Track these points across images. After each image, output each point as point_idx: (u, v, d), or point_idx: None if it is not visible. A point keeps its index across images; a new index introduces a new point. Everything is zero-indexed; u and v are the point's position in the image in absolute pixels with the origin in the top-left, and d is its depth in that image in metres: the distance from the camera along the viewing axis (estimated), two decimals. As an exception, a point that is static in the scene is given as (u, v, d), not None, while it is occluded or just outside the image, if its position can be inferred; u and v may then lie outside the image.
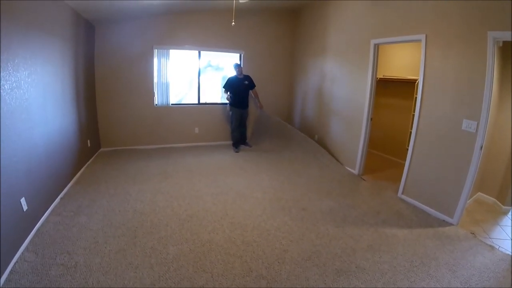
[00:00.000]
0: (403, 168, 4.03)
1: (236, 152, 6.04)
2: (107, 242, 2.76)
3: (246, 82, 5.87)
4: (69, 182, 3.95)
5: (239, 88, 5.82)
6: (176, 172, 4.74)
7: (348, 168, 5.08)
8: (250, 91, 6.08)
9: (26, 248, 2.57)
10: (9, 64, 2.48)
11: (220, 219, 3.30)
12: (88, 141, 5.01)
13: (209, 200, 3.77)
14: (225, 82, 5.88)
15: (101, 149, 5.79)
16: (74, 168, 4.22)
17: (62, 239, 2.77)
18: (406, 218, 3.50)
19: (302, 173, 4.88)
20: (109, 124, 5.76)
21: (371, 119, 4.63)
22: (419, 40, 3.67)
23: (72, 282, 2.21)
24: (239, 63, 5.74)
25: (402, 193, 4.03)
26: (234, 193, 3.99)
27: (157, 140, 6.21)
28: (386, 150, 6.08)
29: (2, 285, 2.13)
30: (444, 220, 3.46)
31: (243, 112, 6.04)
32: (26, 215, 2.68)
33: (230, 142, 6.38)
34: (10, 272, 2.27)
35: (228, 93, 5.80)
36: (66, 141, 3.93)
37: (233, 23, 4.09)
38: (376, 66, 4.48)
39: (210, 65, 6.90)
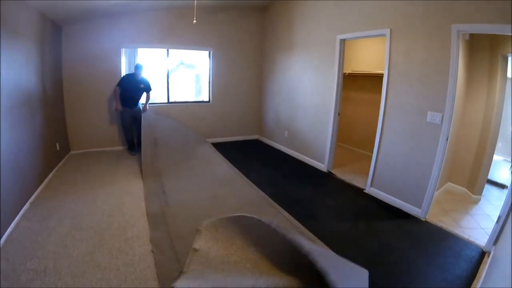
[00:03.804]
0: (370, 161, 4.19)
1: (133, 155, 5.72)
2: (75, 245, 2.85)
3: (142, 86, 5.59)
4: (38, 187, 3.97)
5: (132, 87, 5.48)
6: (145, 172, 4.83)
7: (318, 163, 5.31)
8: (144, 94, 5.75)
9: None
10: None
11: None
12: (57, 144, 4.98)
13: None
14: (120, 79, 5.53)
15: (71, 152, 5.77)
16: (42, 172, 4.22)
17: (31, 244, 2.83)
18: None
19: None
20: (78, 127, 5.72)
21: (339, 114, 4.81)
22: (383, 35, 3.82)
23: (42, 286, 2.30)
24: (141, 65, 5.50)
25: (371, 186, 4.20)
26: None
27: (127, 141, 6.24)
28: (356, 143, 6.38)
29: None
30: (411, 212, 3.62)
31: (133, 111, 5.62)
32: None
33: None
34: None
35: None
36: (32, 145, 3.90)
37: (194, 21, 4.17)
38: (343, 61, 4.64)
39: (182, 63, 7.00)
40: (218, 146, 6.30)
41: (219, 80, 6.78)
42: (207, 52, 6.62)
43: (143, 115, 5.59)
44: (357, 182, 4.58)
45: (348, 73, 5.73)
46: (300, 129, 5.79)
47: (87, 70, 5.54)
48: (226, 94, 6.93)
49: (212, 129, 6.97)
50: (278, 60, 6.35)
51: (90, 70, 5.56)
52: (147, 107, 5.79)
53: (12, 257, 2.65)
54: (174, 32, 6.10)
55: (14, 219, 3.16)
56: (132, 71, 5.72)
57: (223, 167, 5.06)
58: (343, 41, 4.59)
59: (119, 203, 3.79)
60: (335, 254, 2.53)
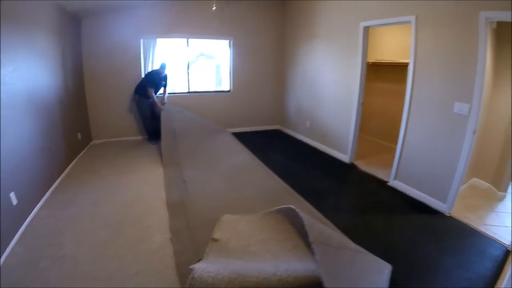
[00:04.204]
0: (394, 153, 4.01)
1: (153, 144, 5.76)
2: (94, 233, 2.84)
3: (163, 82, 5.74)
4: (60, 175, 4.02)
5: (155, 83, 5.59)
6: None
7: (340, 154, 5.14)
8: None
9: (17, 242, 2.65)
10: None
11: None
12: (79, 134, 5.05)
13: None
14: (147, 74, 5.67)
15: (93, 142, 5.85)
16: (64, 161, 4.28)
17: (51, 231, 2.85)
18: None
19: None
20: (100, 116, 5.79)
21: (362, 103, 4.63)
22: (408, 22, 3.62)
23: (59, 273, 2.29)
24: (166, 64, 5.57)
25: (394, 178, 4.03)
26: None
27: (148, 130, 6.25)
28: (379, 135, 6.13)
29: None
30: (435, 207, 3.45)
31: (152, 102, 5.66)
32: (16, 209, 2.75)
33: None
34: (1, 265, 2.36)
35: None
36: (54, 134, 3.97)
37: (214, 7, 4.03)
38: (366, 49, 4.45)
39: (202, 54, 6.96)
40: (239, 136, 6.19)
41: (240, 69, 6.66)
42: (227, 42, 6.50)
43: (162, 108, 5.59)
44: (380, 174, 4.38)
45: (372, 62, 5.47)
46: (322, 119, 5.61)
47: (107, 62, 5.58)
48: (247, 84, 6.79)
49: (233, 119, 6.88)
50: (299, 49, 6.15)
51: (110, 62, 5.60)
52: (165, 100, 5.84)
53: (31, 244, 2.66)
54: (194, 21, 6.01)
55: (35, 207, 3.20)
56: (151, 62, 5.86)
57: (243, 156, 4.94)
58: (366, 29, 4.37)
59: (138, 191, 3.77)
60: (356, 245, 2.39)
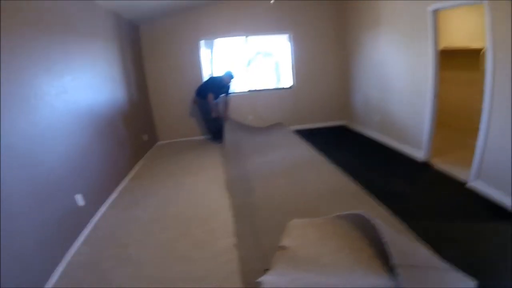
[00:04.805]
0: (473, 150, 3.34)
1: (218, 144, 5.64)
2: (159, 234, 2.78)
3: (224, 89, 5.65)
4: (126, 176, 4.14)
5: (216, 90, 5.51)
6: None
7: (414, 151, 4.52)
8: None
9: (82, 242, 2.71)
10: (51, 71, 2.61)
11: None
12: (145, 135, 5.23)
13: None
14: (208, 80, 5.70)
15: (158, 142, 6.05)
16: (131, 162, 4.43)
17: (117, 232, 2.87)
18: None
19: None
20: (164, 118, 5.97)
21: (437, 95, 4.00)
22: (483, 2, 2.99)
23: (122, 275, 2.25)
24: (233, 75, 5.56)
25: (476, 179, 3.34)
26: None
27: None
28: (453, 129, 5.30)
29: (58, 277, 2.26)
30: None
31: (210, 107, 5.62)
32: (82, 210, 2.84)
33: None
34: (66, 264, 2.40)
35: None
36: (120, 137, 4.11)
37: (271, 1, 3.75)
38: (437, 35, 3.84)
39: (260, 52, 6.82)
40: (302, 133, 5.88)
41: (301, 64, 6.32)
42: (286, 37, 6.23)
43: (225, 124, 5.65)
44: (459, 174, 3.68)
45: (441, 49, 4.76)
46: (392, 113, 5.02)
47: (168, 65, 5.72)
48: (309, 78, 6.42)
49: (295, 116, 6.56)
50: (363, 38, 5.61)
51: (170, 64, 5.73)
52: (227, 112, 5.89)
53: (97, 244, 2.69)
54: (252, 18, 5.86)
55: (101, 208, 3.28)
56: (212, 61, 5.92)
57: (305, 152, 4.65)
58: (435, 12, 3.76)
59: (204, 192, 3.67)
60: (439, 261, 1.99)
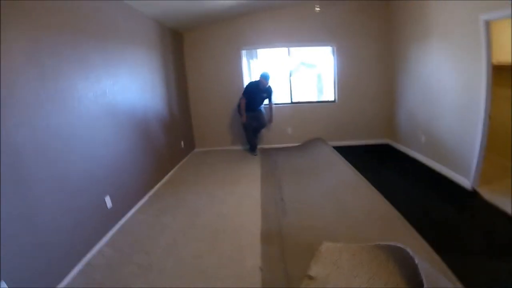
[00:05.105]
0: None
1: (255, 155, 5.58)
2: (186, 245, 2.68)
3: (265, 95, 5.39)
4: (159, 181, 4.16)
5: (255, 96, 5.31)
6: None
7: (460, 177, 4.06)
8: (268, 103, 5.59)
9: (106, 244, 2.71)
10: (90, 75, 2.67)
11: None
12: (182, 142, 5.28)
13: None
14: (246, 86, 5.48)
15: (195, 150, 6.09)
16: (165, 168, 4.46)
17: (142, 237, 2.82)
18: None
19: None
20: (203, 126, 6.03)
21: (490, 116, 3.52)
22: None
23: (142, 282, 2.18)
24: (268, 75, 5.22)
25: None
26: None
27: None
28: (506, 154, 4.73)
29: (75, 275, 2.26)
30: None
31: (255, 114, 5.43)
32: (110, 212, 2.86)
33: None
34: (85, 264, 2.40)
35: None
36: (156, 143, 4.17)
37: (317, 9, 3.54)
38: (491, 49, 3.39)
39: (303, 63, 6.64)
40: (342, 150, 5.56)
41: (344, 77, 6.06)
42: (329, 49, 6.02)
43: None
44: (507, 207, 3.17)
45: (494, 65, 4.26)
46: (440, 134, 4.55)
47: (209, 73, 5.79)
48: (352, 93, 6.13)
49: (337, 131, 6.27)
50: (409, 52, 5.24)
51: (212, 73, 5.79)
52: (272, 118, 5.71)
53: (120, 248, 2.66)
54: (295, 29, 5.74)
55: (129, 211, 3.29)
56: (253, 72, 5.79)
57: (345, 172, 4.33)
58: (487, 22, 3.33)
59: (237, 205, 3.50)
60: None
